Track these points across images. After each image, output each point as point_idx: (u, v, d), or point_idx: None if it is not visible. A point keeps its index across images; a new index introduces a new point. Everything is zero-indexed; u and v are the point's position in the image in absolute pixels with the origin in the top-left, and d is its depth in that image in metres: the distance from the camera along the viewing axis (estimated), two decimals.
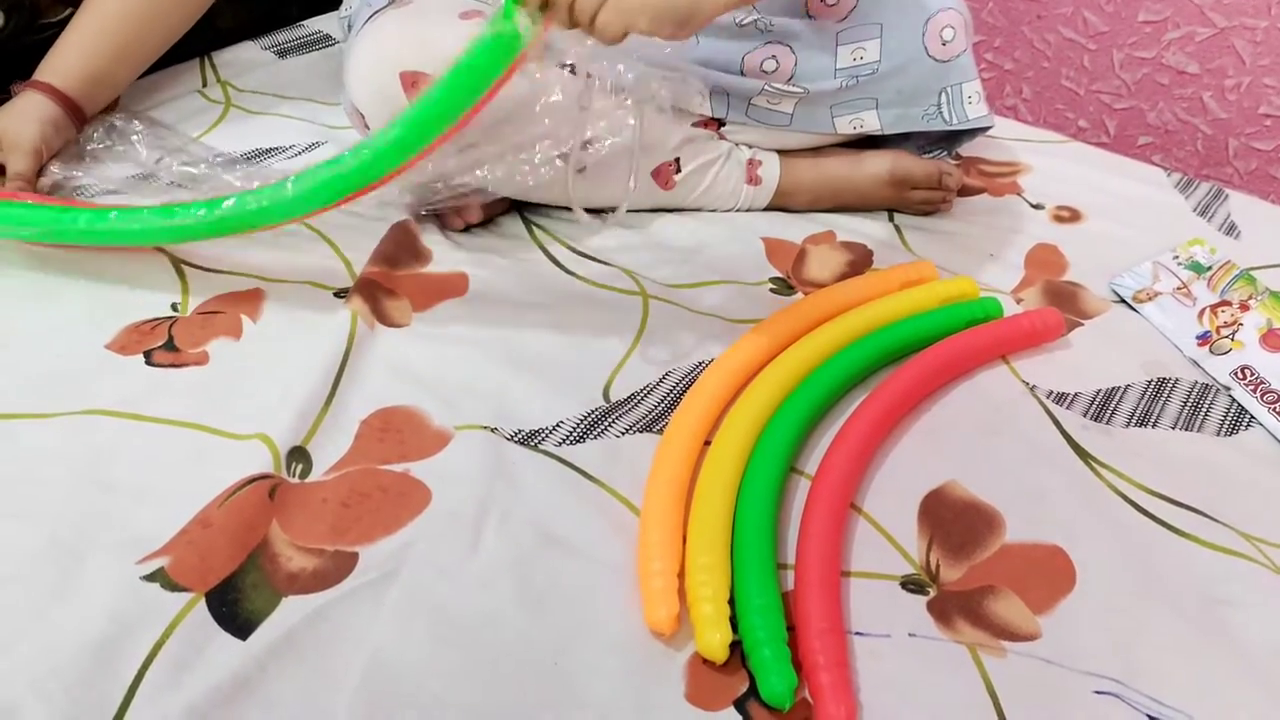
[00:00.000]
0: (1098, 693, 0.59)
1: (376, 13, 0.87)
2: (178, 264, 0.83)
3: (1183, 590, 0.66)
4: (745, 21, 0.92)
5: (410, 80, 0.81)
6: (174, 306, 0.79)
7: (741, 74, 0.93)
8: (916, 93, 0.94)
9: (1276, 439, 0.79)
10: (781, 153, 0.98)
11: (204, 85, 1.08)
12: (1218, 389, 0.83)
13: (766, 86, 0.92)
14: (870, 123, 0.95)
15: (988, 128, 0.99)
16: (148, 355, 0.74)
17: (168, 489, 0.64)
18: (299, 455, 0.68)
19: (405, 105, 0.78)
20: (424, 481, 0.67)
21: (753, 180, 0.97)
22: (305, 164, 0.96)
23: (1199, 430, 0.79)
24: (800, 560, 0.63)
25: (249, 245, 0.86)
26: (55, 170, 0.89)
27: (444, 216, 0.91)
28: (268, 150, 0.99)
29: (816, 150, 0.98)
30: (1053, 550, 0.67)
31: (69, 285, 0.80)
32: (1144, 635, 0.63)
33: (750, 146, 0.98)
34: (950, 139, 1.02)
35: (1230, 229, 1.05)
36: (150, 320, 0.77)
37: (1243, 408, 0.81)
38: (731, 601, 0.60)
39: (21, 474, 0.65)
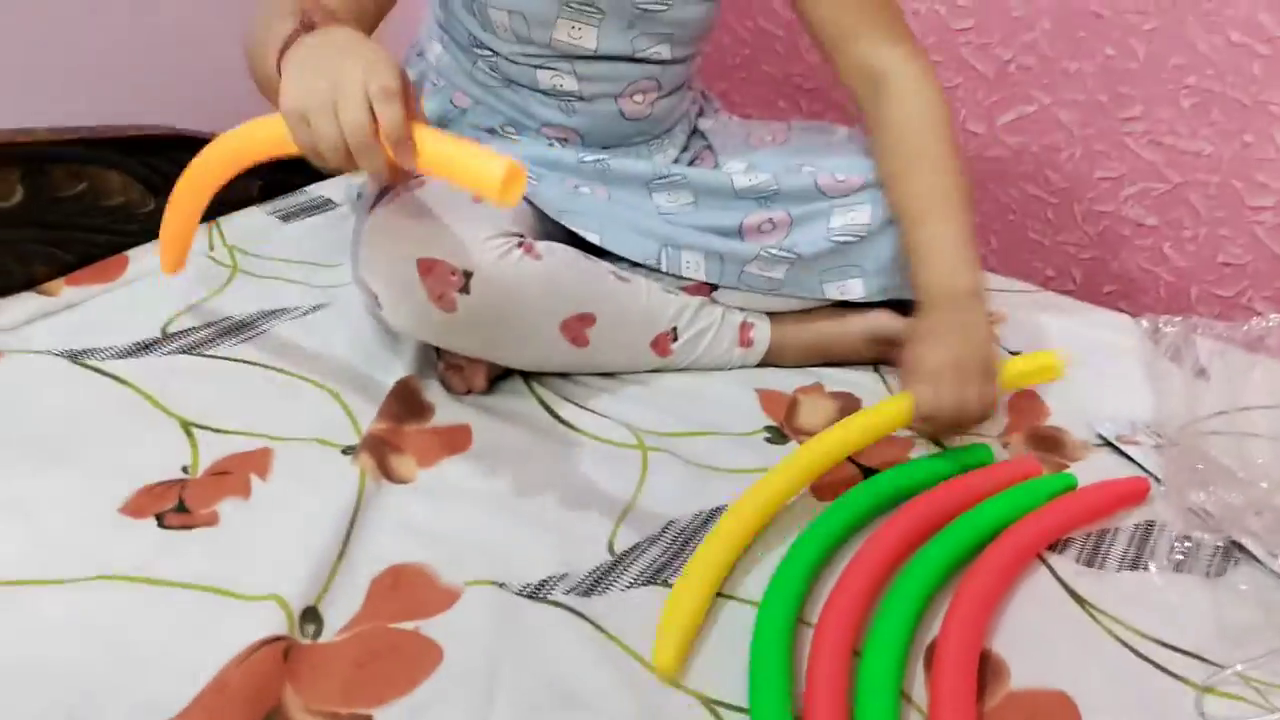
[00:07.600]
0: None
1: (379, 201, 0.89)
2: (187, 426, 0.85)
3: None
4: (747, 186, 0.98)
5: (426, 267, 0.83)
6: (184, 469, 0.80)
7: (741, 237, 0.97)
8: (897, 259, 0.98)
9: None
10: (770, 314, 1.02)
11: (211, 249, 1.11)
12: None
13: (762, 252, 0.97)
14: (855, 290, 0.99)
15: None
16: (159, 518, 0.75)
17: (181, 653, 0.64)
18: (311, 615, 0.68)
19: (421, 290, 0.82)
20: (435, 640, 0.68)
21: (745, 343, 1.01)
22: (309, 325, 1.00)
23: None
24: (806, 711, 0.64)
25: (257, 404, 0.88)
26: None
27: (447, 379, 0.94)
28: (271, 312, 1.02)
29: (804, 312, 1.03)
30: (1057, 696, 0.68)
31: (81, 448, 0.81)
32: None
33: (742, 310, 1.01)
34: None
35: (1200, 372, 1.09)
36: (161, 483, 0.79)
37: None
38: None
39: (33, 642, 0.65)
